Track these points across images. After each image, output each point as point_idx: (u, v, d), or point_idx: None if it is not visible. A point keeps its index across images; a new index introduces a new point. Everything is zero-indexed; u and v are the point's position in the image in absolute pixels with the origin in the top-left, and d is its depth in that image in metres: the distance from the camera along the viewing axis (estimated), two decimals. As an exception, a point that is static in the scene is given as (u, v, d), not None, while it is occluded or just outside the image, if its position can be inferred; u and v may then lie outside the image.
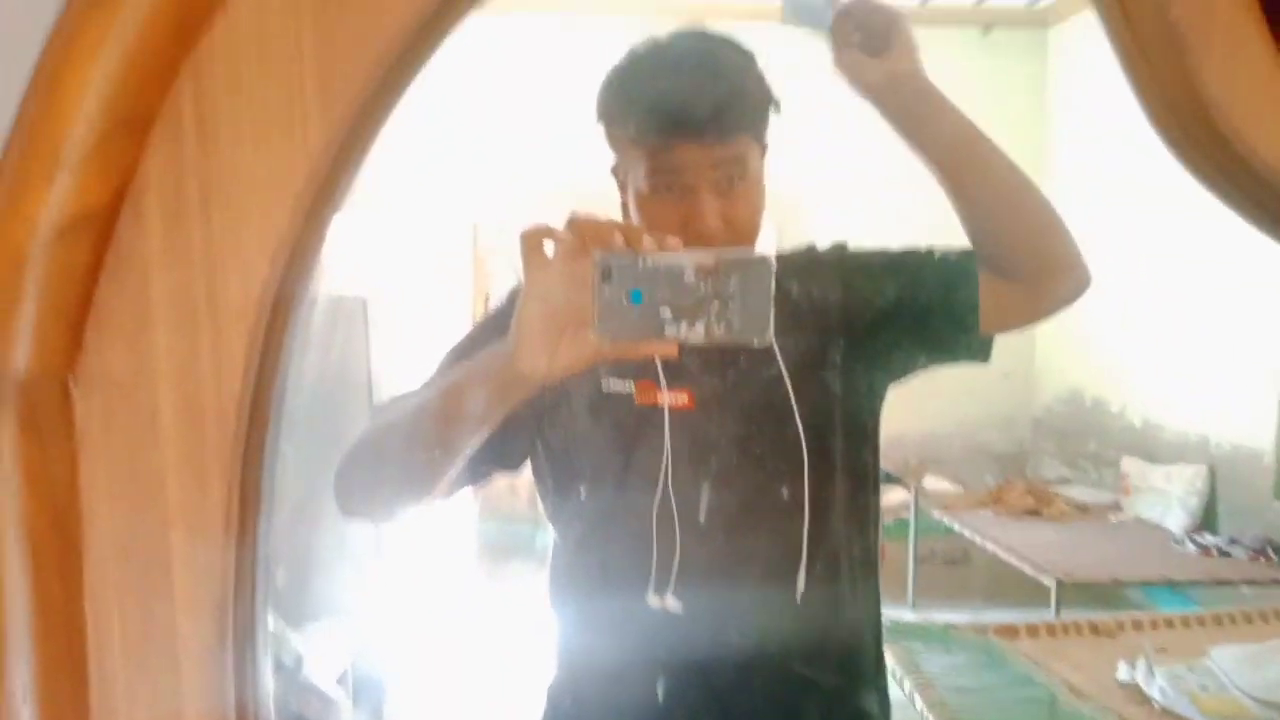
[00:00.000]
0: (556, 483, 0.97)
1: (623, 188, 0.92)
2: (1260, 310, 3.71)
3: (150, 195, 0.32)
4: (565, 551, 1.00)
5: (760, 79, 0.90)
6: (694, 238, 0.84)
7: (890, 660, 2.25)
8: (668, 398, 0.90)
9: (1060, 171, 5.03)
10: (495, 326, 0.81)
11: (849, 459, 0.96)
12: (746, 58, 0.90)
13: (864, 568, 0.98)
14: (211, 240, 0.32)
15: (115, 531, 0.33)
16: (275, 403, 0.36)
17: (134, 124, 0.31)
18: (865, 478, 0.99)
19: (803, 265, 0.98)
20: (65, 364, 0.33)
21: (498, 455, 0.90)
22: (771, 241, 0.96)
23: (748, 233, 0.89)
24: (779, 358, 0.91)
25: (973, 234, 0.91)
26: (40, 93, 0.31)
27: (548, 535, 1.04)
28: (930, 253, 0.96)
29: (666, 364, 0.90)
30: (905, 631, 2.41)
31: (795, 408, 0.90)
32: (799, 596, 0.90)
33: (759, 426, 0.93)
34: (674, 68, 0.89)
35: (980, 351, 0.96)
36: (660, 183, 0.87)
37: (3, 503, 0.32)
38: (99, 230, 0.32)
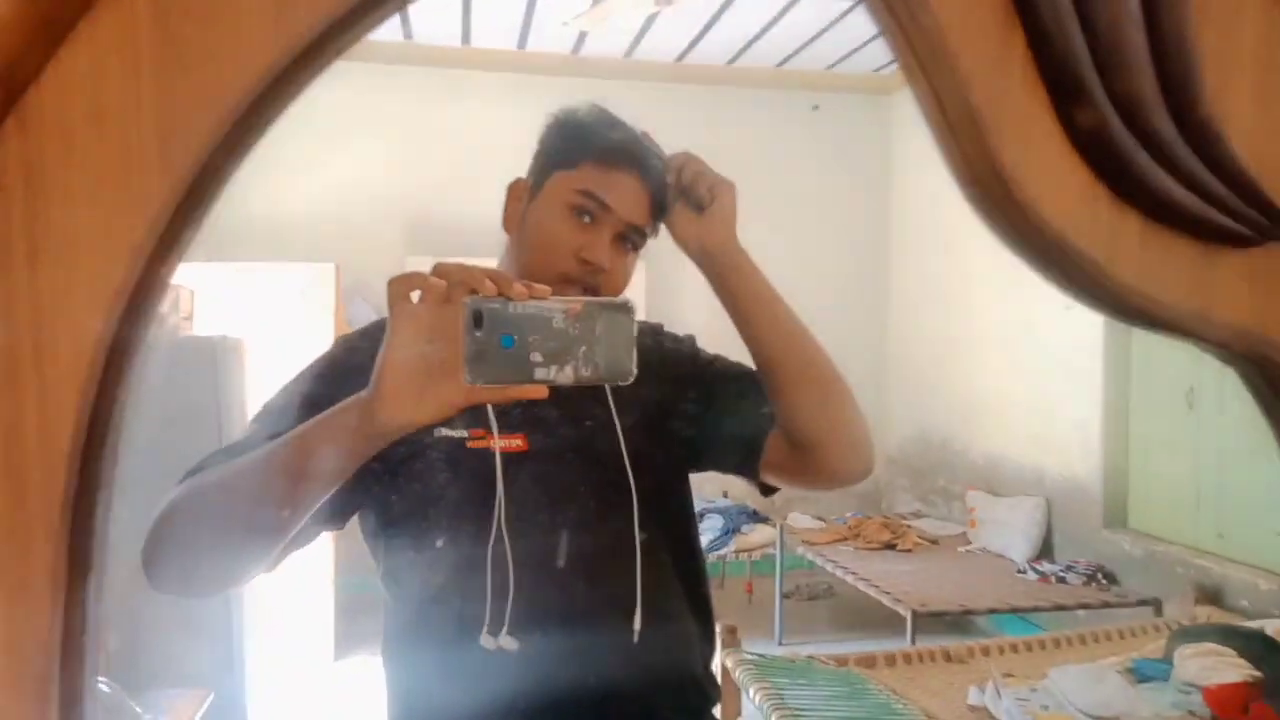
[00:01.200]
0: (389, 535, 0.96)
1: (519, 199, 0.98)
2: (1087, 352, 4.02)
3: (-30, 250, 0.30)
4: (398, 601, 0.99)
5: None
6: (582, 268, 0.93)
7: (756, 696, 2.29)
8: (499, 441, 0.92)
9: (902, 228, 5.34)
10: (324, 377, 0.82)
11: (675, 501, 1.02)
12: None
13: (695, 606, 1.03)
14: (39, 297, 0.31)
15: (-78, 606, 0.31)
16: (109, 459, 0.35)
17: (-47, 176, 0.30)
18: (689, 518, 1.05)
19: (654, 335, 1.08)
20: None
21: (328, 514, 0.87)
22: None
23: (616, 290, 0.96)
24: (610, 402, 0.96)
25: (770, 394, 0.96)
26: None
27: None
28: (738, 371, 1.04)
29: (499, 410, 0.92)
30: (771, 666, 2.46)
31: (625, 452, 0.94)
32: (636, 636, 0.92)
33: (593, 470, 0.96)
34: (628, 130, 0.98)
35: (762, 487, 1.04)
36: (586, 206, 0.94)
37: None
38: (-90, 286, 0.30)
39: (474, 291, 0.64)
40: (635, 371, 0.66)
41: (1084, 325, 3.80)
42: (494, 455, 0.91)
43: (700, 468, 1.04)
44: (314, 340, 3.34)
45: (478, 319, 0.63)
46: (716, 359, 1.07)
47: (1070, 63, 0.34)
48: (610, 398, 0.97)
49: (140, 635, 2.43)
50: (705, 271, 0.95)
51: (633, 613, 0.91)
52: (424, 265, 0.69)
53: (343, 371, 0.78)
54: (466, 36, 4.47)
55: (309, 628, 3.75)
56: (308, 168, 4.37)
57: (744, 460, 1.00)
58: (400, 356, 0.65)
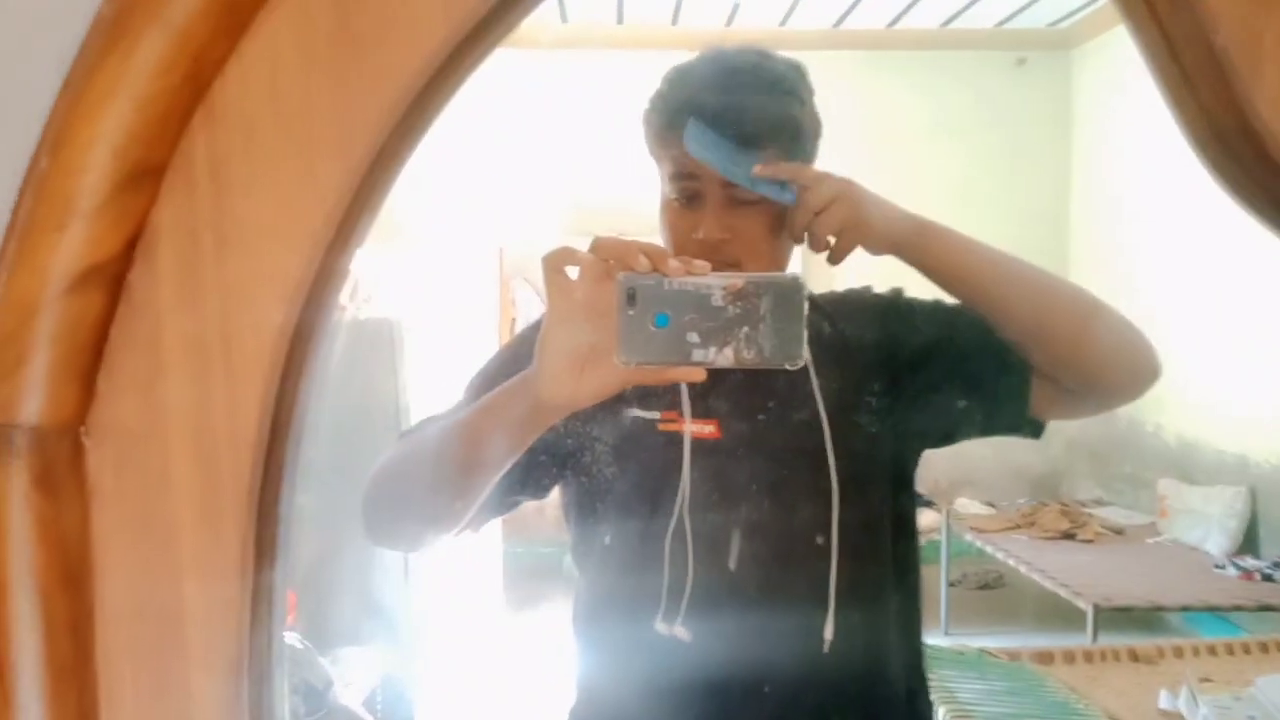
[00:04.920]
0: (580, 509, 0.96)
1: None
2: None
3: (163, 243, 0.31)
4: (586, 579, 0.99)
5: (799, 98, 0.88)
6: (700, 249, 0.84)
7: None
8: (691, 425, 0.88)
9: (1086, 191, 4.98)
10: (521, 351, 0.80)
11: (884, 505, 0.93)
12: (792, 76, 0.88)
13: (901, 618, 0.95)
14: (225, 285, 0.32)
15: (128, 586, 0.33)
16: (292, 446, 0.35)
17: (146, 173, 0.31)
18: (902, 525, 0.95)
19: (853, 305, 0.96)
20: (77, 415, 0.32)
21: (526, 483, 0.89)
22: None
23: (762, 254, 0.86)
24: (817, 396, 0.88)
25: (1025, 348, 0.87)
26: (52, 143, 0.31)
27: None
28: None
29: (697, 394, 0.88)
30: (939, 657, 2.37)
31: (830, 449, 0.87)
32: (827, 645, 0.86)
33: (789, 465, 0.90)
34: (709, 75, 0.88)
35: (1032, 426, 0.91)
36: (678, 190, 0.86)
37: (14, 559, 0.31)
38: (111, 280, 0.31)
39: (629, 268, 0.62)
40: (806, 355, 0.62)
41: (1296, 297, 3.45)
42: (684, 440, 0.88)
43: (946, 441, 0.95)
44: (478, 323, 3.46)
45: (631, 296, 0.61)
46: (937, 306, 0.93)
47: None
48: (816, 382, 0.88)
49: (324, 599, 2.60)
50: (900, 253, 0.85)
51: (823, 619, 0.86)
52: (586, 245, 0.68)
53: (533, 349, 0.79)
54: (620, 15, 4.49)
55: (478, 589, 3.92)
56: (469, 150, 4.52)
57: (1009, 414, 0.90)
58: (558, 334, 0.64)
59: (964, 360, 0.90)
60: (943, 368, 0.91)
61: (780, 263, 0.89)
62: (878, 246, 0.85)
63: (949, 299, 0.91)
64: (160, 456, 0.33)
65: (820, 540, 0.87)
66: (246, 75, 0.30)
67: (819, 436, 0.87)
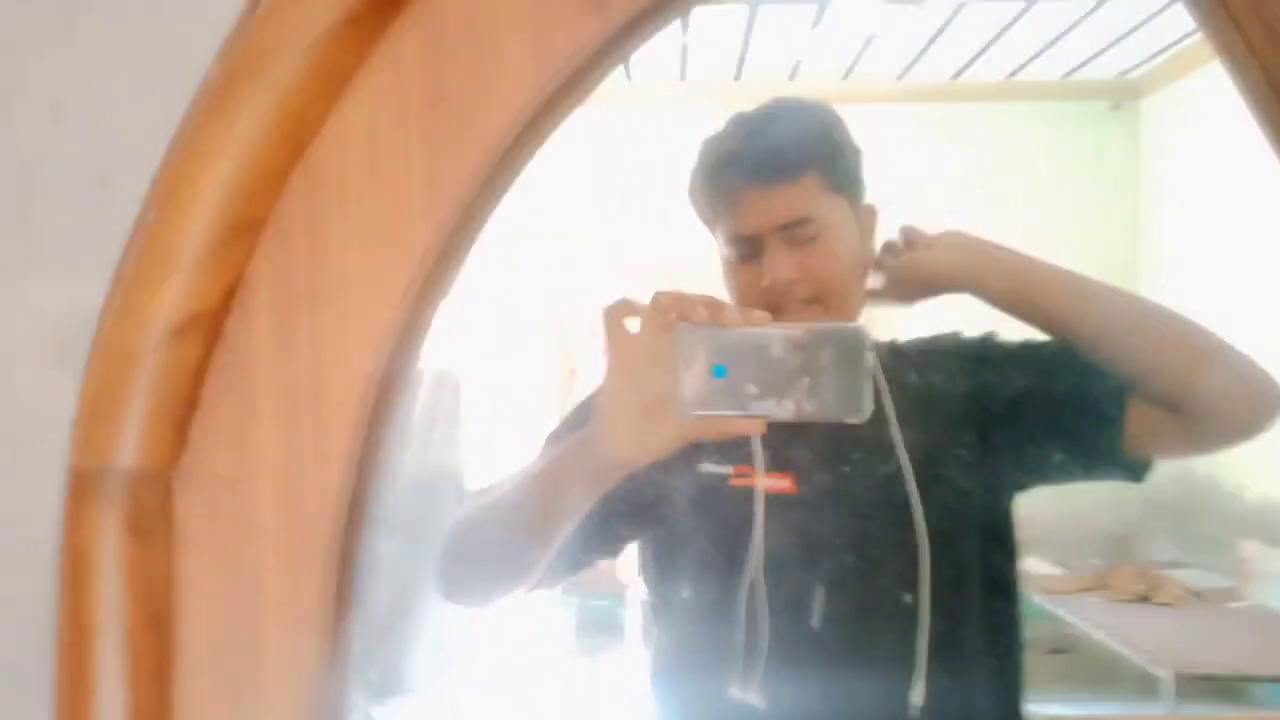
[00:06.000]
0: (657, 567, 0.95)
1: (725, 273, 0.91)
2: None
3: (260, 294, 0.32)
4: (663, 636, 0.97)
5: (831, 124, 0.88)
6: (773, 296, 0.84)
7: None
8: (764, 480, 0.86)
9: (1154, 242, 4.87)
10: (589, 410, 0.79)
11: (978, 563, 0.89)
12: (820, 108, 0.88)
13: (998, 683, 0.91)
14: (318, 336, 0.32)
15: (210, 632, 0.33)
16: (375, 494, 0.36)
17: (247, 228, 0.32)
18: (998, 584, 0.91)
19: (941, 352, 0.94)
20: (170, 462, 0.33)
21: (600, 542, 0.88)
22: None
23: (834, 288, 0.85)
24: (899, 449, 0.85)
25: (1128, 378, 0.85)
26: (159, 199, 0.32)
27: (631, 610, 1.00)
28: (1071, 353, 0.89)
29: (773, 448, 0.87)
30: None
31: (914, 503, 0.84)
32: (915, 711, 0.83)
33: (872, 520, 0.87)
34: (734, 128, 0.88)
35: (1131, 469, 0.87)
36: (739, 249, 0.86)
37: (104, 602, 0.32)
38: (209, 329, 0.32)
39: (689, 319, 0.61)
40: (870, 407, 0.60)
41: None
42: (756, 495, 0.86)
43: (1039, 482, 0.91)
44: (537, 376, 3.48)
45: (689, 347, 0.61)
46: (1027, 349, 0.91)
47: None
48: (898, 433, 0.86)
49: (381, 646, 2.60)
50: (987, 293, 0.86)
51: (909, 683, 0.82)
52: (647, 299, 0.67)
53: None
54: (683, 71, 4.56)
55: (534, 642, 3.89)
56: (535, 205, 4.59)
57: (1106, 461, 0.86)
58: (619, 388, 0.63)
59: (1058, 410, 0.87)
60: (1036, 420, 0.88)
61: (855, 294, 0.88)
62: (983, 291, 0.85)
63: (1038, 337, 0.89)
64: (248, 503, 0.33)
65: (908, 599, 0.84)
66: (344, 136, 0.31)
67: (903, 490, 0.84)
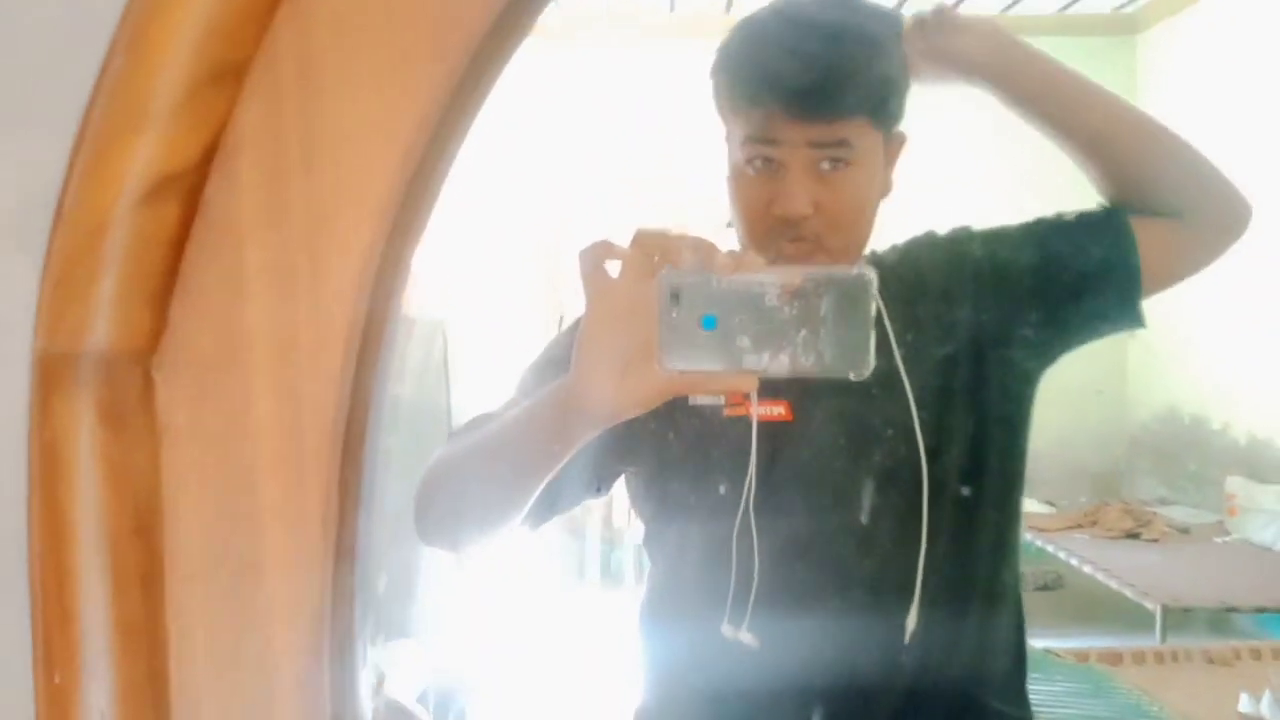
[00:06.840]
0: (649, 504, 0.92)
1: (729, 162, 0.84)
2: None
3: (245, 153, 0.28)
4: (656, 576, 0.94)
5: (893, 51, 0.81)
6: (778, 223, 0.78)
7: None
8: (757, 408, 0.82)
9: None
10: (570, 344, 0.74)
11: (979, 483, 0.86)
12: (886, 32, 0.82)
13: (995, 608, 0.89)
14: (313, 202, 0.29)
15: (203, 535, 0.30)
16: (379, 380, 0.32)
17: (227, 73, 0.28)
18: (1000, 506, 0.89)
19: (923, 259, 0.90)
20: (148, 345, 0.29)
21: (585, 482, 0.85)
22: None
23: (846, 227, 0.80)
24: (900, 366, 0.80)
25: (1116, 184, 0.87)
26: (126, 41, 0.28)
27: (622, 553, 0.98)
28: (1065, 218, 0.89)
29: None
30: (1001, 658, 2.29)
31: (916, 422, 0.80)
32: (908, 636, 0.80)
33: (870, 443, 0.84)
34: (792, 28, 0.80)
35: (1136, 317, 0.89)
36: (752, 155, 0.79)
37: (82, 503, 0.28)
38: (187, 192, 0.28)
39: (674, 263, 0.54)
40: (873, 363, 0.54)
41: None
42: (751, 424, 0.81)
43: (1063, 350, 0.90)
44: (526, 320, 3.45)
45: (675, 295, 0.55)
46: (1005, 235, 0.88)
47: None
48: (895, 353, 0.80)
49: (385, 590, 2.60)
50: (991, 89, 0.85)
51: (905, 612, 0.79)
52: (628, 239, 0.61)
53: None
54: (673, 4, 4.45)
55: (527, 585, 3.91)
56: (535, 142, 4.50)
57: (1125, 290, 0.87)
58: (597, 338, 0.58)
59: (1068, 278, 0.87)
60: (1049, 298, 0.87)
61: (863, 239, 0.83)
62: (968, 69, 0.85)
63: (1005, 225, 0.90)
64: (239, 392, 0.30)
65: (906, 523, 0.81)
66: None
67: (904, 409, 0.80)
